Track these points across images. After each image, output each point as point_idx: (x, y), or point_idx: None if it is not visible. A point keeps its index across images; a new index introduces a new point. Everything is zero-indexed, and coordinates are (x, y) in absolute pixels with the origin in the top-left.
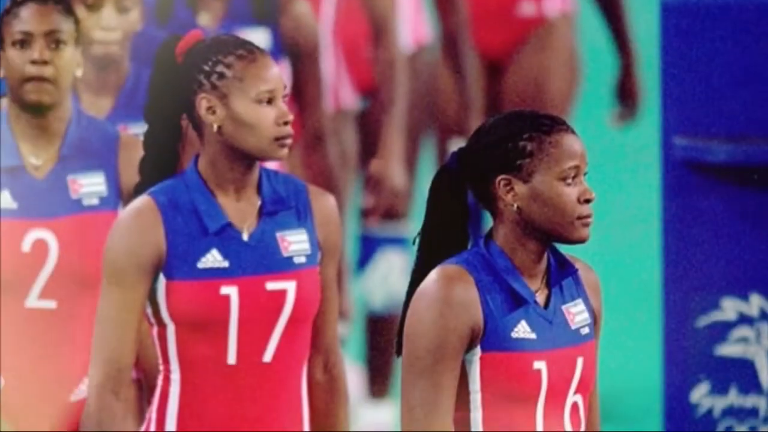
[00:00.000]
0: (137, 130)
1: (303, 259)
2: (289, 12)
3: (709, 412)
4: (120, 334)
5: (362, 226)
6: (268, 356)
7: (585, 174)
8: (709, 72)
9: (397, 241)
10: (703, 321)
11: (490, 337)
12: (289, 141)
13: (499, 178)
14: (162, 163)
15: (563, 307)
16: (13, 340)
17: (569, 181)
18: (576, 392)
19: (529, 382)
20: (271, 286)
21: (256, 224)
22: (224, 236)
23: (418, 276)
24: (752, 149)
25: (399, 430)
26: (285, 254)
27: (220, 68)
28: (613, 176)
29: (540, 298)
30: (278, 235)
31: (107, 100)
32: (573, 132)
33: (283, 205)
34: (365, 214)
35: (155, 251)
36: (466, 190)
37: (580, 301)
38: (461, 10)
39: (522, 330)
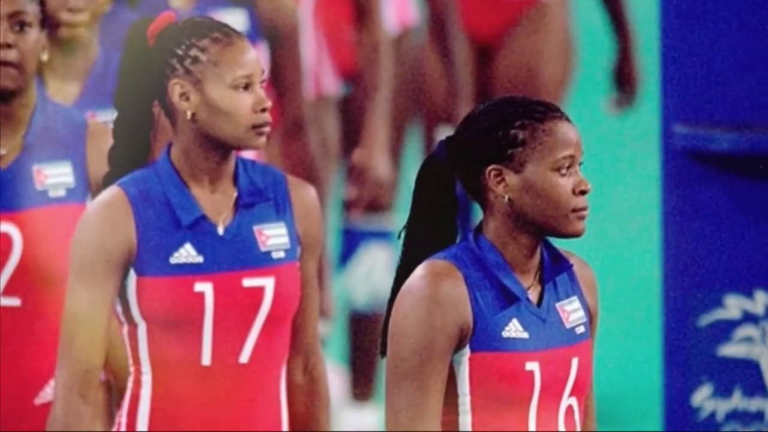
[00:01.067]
0: (106, 117)
1: (282, 254)
2: None
3: (712, 415)
4: (88, 333)
5: (344, 219)
6: (244, 357)
7: (580, 164)
8: (711, 56)
9: (382, 235)
10: (705, 319)
11: (480, 337)
12: (267, 129)
13: (490, 168)
14: (132, 152)
15: (557, 305)
16: None
17: (564, 171)
18: (571, 395)
19: (521, 384)
20: (248, 282)
21: (232, 217)
22: (198, 230)
23: (403, 272)
24: (757, 138)
25: None
26: (263, 249)
27: (194, 52)
28: (610, 166)
29: (533, 295)
30: (255, 228)
31: (75, 85)
32: (567, 119)
33: (260, 197)
34: (348, 206)
35: (125, 246)
36: (455, 181)
37: (575, 298)
38: None
39: (513, 329)
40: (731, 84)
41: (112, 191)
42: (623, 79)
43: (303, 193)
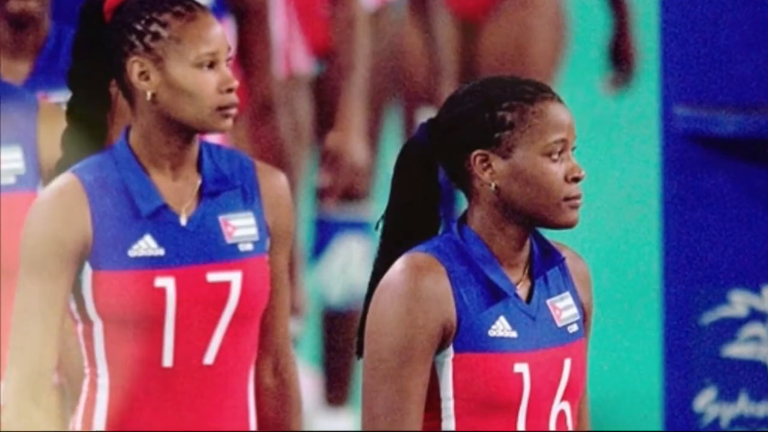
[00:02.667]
0: (60, 98)
1: (249, 247)
2: None
3: (716, 421)
4: (40, 332)
5: (318, 208)
6: (209, 358)
7: (573, 149)
8: (715, 32)
9: (358, 226)
10: (709, 317)
11: (465, 336)
12: (233, 111)
13: (475, 153)
14: (88, 136)
15: (548, 302)
16: None
17: (555, 156)
18: (563, 399)
19: (509, 387)
20: (213, 277)
21: (195, 206)
22: (159, 220)
23: (381, 266)
24: (764, 120)
25: None
26: (229, 241)
27: (154, 27)
28: (605, 151)
29: (522, 291)
30: (221, 218)
31: (25, 63)
32: (559, 100)
33: (226, 185)
34: (321, 194)
35: (80, 237)
36: (437, 167)
37: (567, 294)
38: None
39: (501, 327)
40: (736, 62)
41: (65, 178)
42: (620, 57)
43: (273, 181)
